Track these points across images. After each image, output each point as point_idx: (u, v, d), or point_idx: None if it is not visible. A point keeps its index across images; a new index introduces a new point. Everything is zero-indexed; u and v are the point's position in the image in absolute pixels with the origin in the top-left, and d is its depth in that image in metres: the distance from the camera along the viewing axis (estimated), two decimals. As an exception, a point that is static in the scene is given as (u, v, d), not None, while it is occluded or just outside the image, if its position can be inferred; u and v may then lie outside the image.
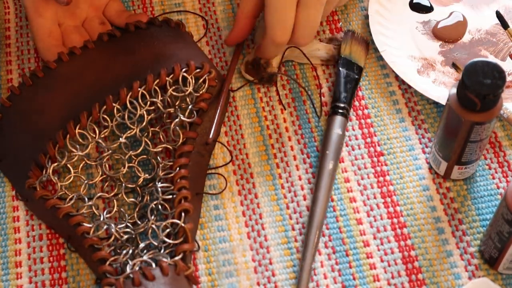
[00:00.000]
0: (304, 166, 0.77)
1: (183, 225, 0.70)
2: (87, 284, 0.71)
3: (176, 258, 0.68)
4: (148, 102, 0.76)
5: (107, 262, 0.69)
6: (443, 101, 0.78)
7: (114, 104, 0.75)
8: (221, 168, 0.77)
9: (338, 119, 0.78)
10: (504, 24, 0.84)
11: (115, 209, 0.74)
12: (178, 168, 0.73)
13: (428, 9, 0.86)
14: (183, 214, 0.70)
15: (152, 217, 0.72)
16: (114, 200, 0.74)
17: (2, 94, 0.82)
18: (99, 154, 0.78)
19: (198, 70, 0.77)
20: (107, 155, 0.76)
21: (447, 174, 0.75)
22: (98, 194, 0.74)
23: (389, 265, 0.72)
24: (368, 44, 0.84)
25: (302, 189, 0.76)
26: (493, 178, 0.76)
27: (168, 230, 0.70)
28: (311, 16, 0.75)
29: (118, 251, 0.71)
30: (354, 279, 0.71)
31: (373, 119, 0.80)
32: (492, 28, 0.84)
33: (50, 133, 0.74)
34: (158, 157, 0.76)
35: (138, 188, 0.75)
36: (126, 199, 0.74)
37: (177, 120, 0.76)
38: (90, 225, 0.71)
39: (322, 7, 0.76)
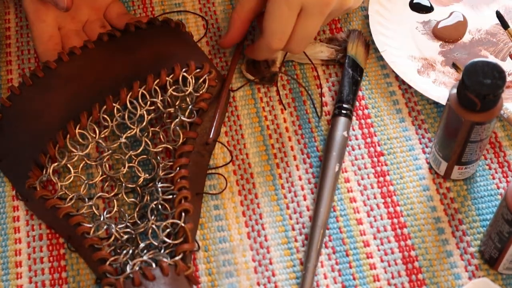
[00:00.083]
0: (304, 166, 0.77)
1: (183, 225, 0.70)
2: (87, 284, 0.71)
3: (176, 258, 0.68)
4: (148, 102, 0.76)
5: (107, 262, 0.69)
6: (443, 101, 0.78)
7: (114, 104, 0.75)
8: (221, 168, 0.77)
9: (343, 120, 0.77)
10: (504, 24, 0.84)
11: (115, 209, 0.74)
12: (178, 168, 0.73)
13: (428, 9, 0.86)
14: (183, 214, 0.70)
15: (152, 217, 0.72)
16: (114, 200, 0.74)
17: (2, 94, 0.82)
18: (99, 154, 0.78)
19: (198, 70, 0.77)
20: (107, 155, 0.76)
21: (447, 174, 0.75)
22: (98, 194, 0.74)
23: (389, 265, 0.72)
24: (369, 46, 0.83)
25: (302, 189, 0.76)
26: (493, 178, 0.76)
27: (168, 230, 0.70)
28: (309, 27, 0.75)
29: (118, 251, 0.71)
30: (354, 279, 0.71)
31: (373, 119, 0.80)
32: (492, 28, 0.84)
33: (50, 133, 0.74)
34: (158, 157, 0.76)
35: (138, 188, 0.75)
36: (126, 199, 0.74)
37: (177, 120, 0.76)
38: (90, 225, 0.71)
39: (323, 18, 0.75)
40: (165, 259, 0.68)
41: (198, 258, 0.72)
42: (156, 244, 0.70)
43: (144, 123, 0.76)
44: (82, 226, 0.70)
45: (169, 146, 0.76)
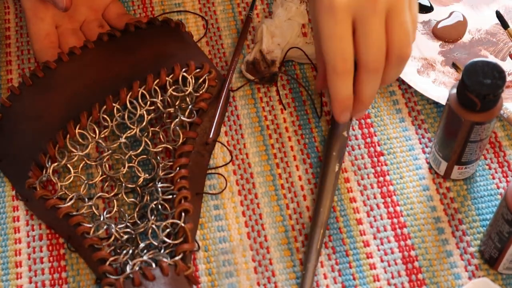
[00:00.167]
0: (304, 166, 0.77)
1: (183, 225, 0.70)
2: (87, 284, 0.71)
3: (176, 258, 0.68)
4: (148, 102, 0.76)
5: (107, 262, 0.69)
6: (443, 101, 0.78)
7: (114, 104, 0.75)
8: (221, 168, 0.77)
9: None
10: (504, 24, 0.84)
11: (115, 209, 0.74)
12: (178, 168, 0.73)
13: (428, 9, 0.86)
14: (183, 214, 0.70)
15: (152, 217, 0.72)
16: (114, 200, 0.74)
17: (2, 94, 0.82)
18: (99, 154, 0.78)
19: (198, 70, 0.77)
20: (107, 155, 0.76)
21: (447, 174, 0.75)
22: (98, 194, 0.74)
23: (389, 265, 0.72)
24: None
25: (302, 189, 0.76)
26: (493, 178, 0.76)
27: (168, 230, 0.70)
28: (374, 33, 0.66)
29: (118, 251, 0.71)
30: (354, 279, 0.71)
31: (373, 119, 0.80)
32: (492, 28, 0.84)
33: (50, 133, 0.74)
34: (158, 157, 0.76)
35: (138, 188, 0.75)
36: (126, 199, 0.74)
37: (177, 120, 0.76)
38: (90, 225, 0.71)
39: (381, 21, 0.66)
40: (165, 259, 0.68)
41: (198, 258, 0.72)
42: (156, 244, 0.70)
43: (144, 123, 0.76)
44: (82, 226, 0.70)
45: (169, 146, 0.76)
